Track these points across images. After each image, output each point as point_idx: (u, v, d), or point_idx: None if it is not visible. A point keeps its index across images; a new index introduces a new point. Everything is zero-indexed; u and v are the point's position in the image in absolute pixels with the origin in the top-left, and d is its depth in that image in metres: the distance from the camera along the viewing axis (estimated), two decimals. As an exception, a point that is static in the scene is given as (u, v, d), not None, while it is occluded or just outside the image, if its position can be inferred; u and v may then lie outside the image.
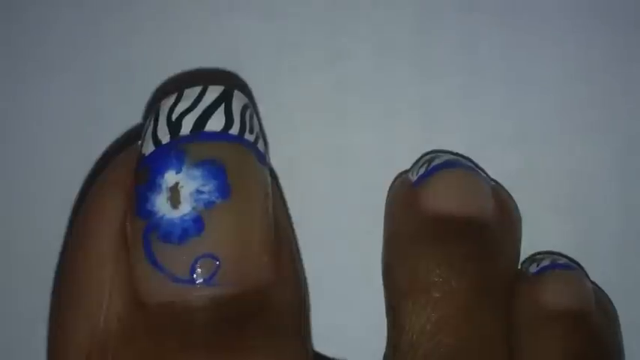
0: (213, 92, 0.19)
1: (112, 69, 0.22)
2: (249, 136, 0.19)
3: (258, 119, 0.21)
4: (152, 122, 0.19)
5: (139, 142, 0.20)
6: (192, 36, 0.23)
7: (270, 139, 0.23)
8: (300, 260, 0.22)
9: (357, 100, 0.23)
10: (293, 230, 0.22)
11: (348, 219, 0.23)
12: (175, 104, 0.19)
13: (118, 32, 0.23)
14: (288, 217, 0.22)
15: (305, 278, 0.21)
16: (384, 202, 0.23)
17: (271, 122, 0.23)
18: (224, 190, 0.18)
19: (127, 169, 0.19)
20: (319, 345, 0.22)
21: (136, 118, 0.22)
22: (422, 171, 0.22)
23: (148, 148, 0.19)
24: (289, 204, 0.23)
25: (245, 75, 0.23)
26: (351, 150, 0.23)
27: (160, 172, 0.18)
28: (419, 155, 0.23)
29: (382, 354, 0.22)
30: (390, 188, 0.23)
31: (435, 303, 0.20)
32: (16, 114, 0.22)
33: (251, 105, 0.20)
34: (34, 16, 0.22)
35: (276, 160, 0.22)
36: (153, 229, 0.18)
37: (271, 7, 0.23)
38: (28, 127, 0.22)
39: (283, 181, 0.23)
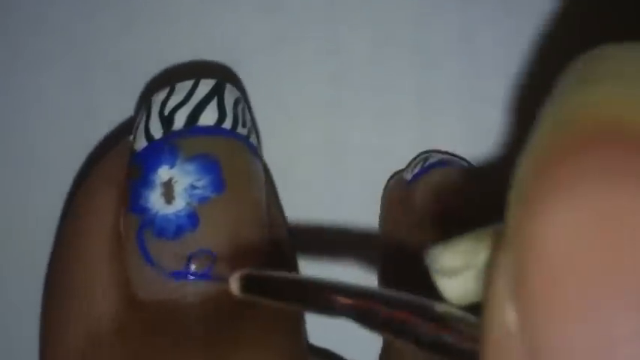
0: (206, 86, 0.19)
1: (108, 63, 0.22)
2: (242, 130, 0.19)
3: (250, 113, 0.21)
4: (144, 117, 0.19)
5: (131, 136, 0.19)
6: (189, 29, 0.23)
7: (266, 133, 0.22)
8: (293, 254, 0.21)
9: (355, 93, 0.23)
10: (286, 223, 0.22)
11: (345, 213, 0.23)
12: (167, 98, 0.19)
13: (113, 26, 0.22)
14: (282, 212, 0.22)
15: (299, 272, 0.21)
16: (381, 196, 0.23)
17: (268, 116, 0.22)
18: (218, 185, 0.18)
19: (119, 164, 0.19)
20: (316, 340, 0.22)
21: (130, 113, 0.22)
22: (417, 170, 0.22)
23: (141, 143, 0.19)
24: (286, 198, 0.22)
25: (242, 68, 0.23)
26: (349, 143, 0.23)
27: (154, 167, 0.18)
28: (417, 149, 0.23)
29: (379, 349, 0.22)
30: (386, 187, 0.23)
31: None
32: (9, 108, 0.22)
33: (243, 98, 0.20)
34: (28, 10, 0.22)
35: (272, 154, 0.22)
36: (147, 225, 0.18)
37: (269, 1, 0.23)
38: (21, 122, 0.22)
39: (280, 176, 0.22)
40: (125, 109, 0.22)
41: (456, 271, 0.12)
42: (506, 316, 0.09)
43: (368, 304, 0.13)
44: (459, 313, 0.12)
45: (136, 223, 0.18)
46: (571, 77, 0.10)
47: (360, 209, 0.23)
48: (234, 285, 0.15)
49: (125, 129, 0.21)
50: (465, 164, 0.22)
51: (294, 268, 0.21)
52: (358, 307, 0.13)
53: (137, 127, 0.19)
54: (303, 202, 0.23)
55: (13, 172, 0.22)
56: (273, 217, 0.20)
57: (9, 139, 0.22)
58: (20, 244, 0.22)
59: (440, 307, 0.12)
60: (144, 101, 0.20)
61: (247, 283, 0.14)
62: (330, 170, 0.23)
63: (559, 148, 0.09)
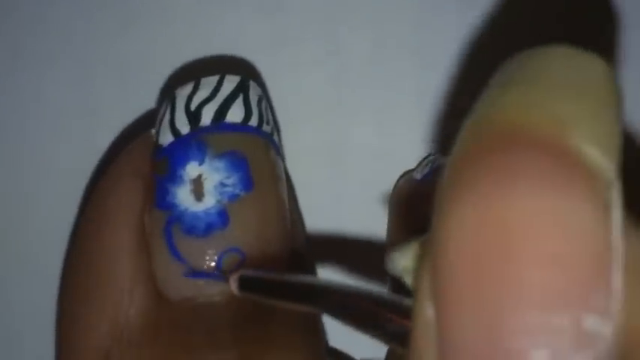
0: (231, 82, 0.19)
1: (109, 63, 0.22)
2: (266, 128, 0.19)
3: (272, 111, 0.21)
4: (168, 111, 0.19)
5: (153, 130, 0.19)
6: (190, 30, 0.22)
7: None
8: (310, 254, 0.21)
9: (355, 94, 0.23)
10: (303, 222, 0.22)
11: (346, 214, 0.23)
12: (193, 93, 0.19)
13: (115, 27, 0.22)
14: (299, 212, 0.22)
15: (316, 272, 0.21)
16: (383, 196, 0.23)
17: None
18: (247, 183, 0.18)
19: (143, 156, 0.19)
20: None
21: (133, 112, 0.22)
22: (427, 169, 0.22)
23: (166, 137, 0.18)
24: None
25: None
26: (349, 144, 0.23)
27: (181, 163, 0.18)
28: (418, 150, 0.23)
29: (385, 349, 0.22)
30: (395, 186, 0.23)
31: None
32: (9, 108, 0.21)
33: (265, 96, 0.20)
34: (28, 11, 0.21)
35: None
36: (175, 221, 0.18)
37: (269, 1, 0.23)
38: (21, 122, 0.21)
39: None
40: (125, 108, 0.22)
41: (407, 271, 0.13)
42: (427, 311, 0.10)
43: (344, 300, 0.14)
44: None
45: (163, 220, 0.18)
46: (493, 81, 0.11)
47: (361, 210, 0.23)
48: (233, 285, 0.15)
49: (145, 122, 0.21)
50: None
51: (311, 267, 0.21)
52: (337, 303, 0.14)
53: (161, 121, 0.19)
54: (303, 203, 0.22)
55: (14, 173, 0.21)
56: (293, 217, 0.20)
57: (9, 140, 0.21)
58: (22, 246, 0.21)
59: (408, 301, 0.13)
60: (166, 95, 0.19)
61: (244, 284, 0.15)
62: (331, 171, 0.23)
63: (467, 151, 0.10)
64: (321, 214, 0.23)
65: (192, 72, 0.22)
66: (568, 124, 0.09)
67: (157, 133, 0.19)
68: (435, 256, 0.10)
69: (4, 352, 0.21)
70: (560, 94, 0.10)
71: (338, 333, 0.22)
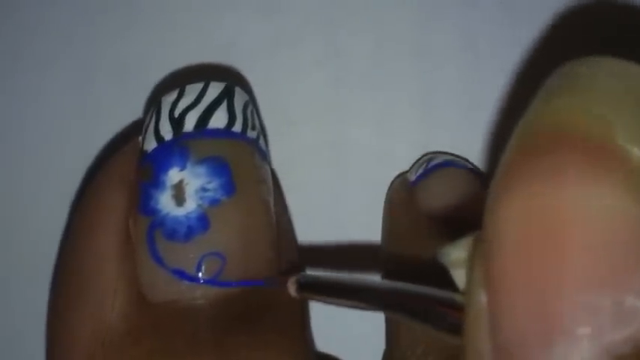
0: (216, 88, 0.19)
1: (109, 66, 0.22)
2: (251, 133, 0.19)
3: (259, 116, 0.21)
4: (153, 118, 0.19)
5: (140, 137, 0.19)
6: (190, 32, 0.23)
7: (268, 136, 0.22)
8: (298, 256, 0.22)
9: (356, 95, 0.23)
10: (292, 227, 0.22)
11: (346, 215, 0.23)
12: (178, 100, 0.19)
13: (114, 29, 0.22)
14: (288, 214, 0.22)
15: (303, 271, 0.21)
16: (383, 198, 0.23)
17: (270, 118, 0.22)
18: (229, 188, 0.18)
19: (129, 163, 0.19)
20: (319, 344, 0.22)
21: (132, 114, 0.22)
22: (421, 170, 0.22)
23: (150, 144, 0.19)
24: (287, 200, 0.22)
25: (243, 71, 0.23)
26: (350, 146, 0.23)
27: (164, 168, 0.18)
28: (418, 151, 0.23)
29: (381, 352, 0.22)
30: (389, 188, 0.23)
31: None
32: (9, 110, 0.22)
33: (251, 102, 0.20)
34: (29, 12, 0.22)
35: (274, 156, 0.22)
36: (157, 226, 0.18)
37: (268, 2, 0.23)
38: (22, 124, 0.22)
39: (281, 178, 0.22)
40: (126, 111, 0.22)
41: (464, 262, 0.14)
42: (480, 298, 0.11)
43: (400, 297, 0.15)
44: None
45: (146, 225, 0.18)
46: (543, 88, 0.12)
47: (361, 211, 0.23)
48: (291, 288, 0.17)
49: (134, 130, 0.21)
50: (470, 165, 0.22)
51: (301, 268, 0.21)
52: (392, 300, 0.15)
53: (147, 128, 0.19)
54: (304, 205, 0.23)
55: (14, 174, 0.22)
56: (279, 219, 0.20)
57: (9, 141, 0.22)
58: (22, 247, 0.21)
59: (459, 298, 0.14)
60: (153, 102, 0.20)
61: (302, 286, 0.17)
62: (331, 172, 0.23)
63: (522, 149, 0.11)
64: (320, 215, 0.23)
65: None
66: (614, 125, 0.11)
67: (143, 139, 0.19)
68: (488, 243, 0.11)
69: (4, 352, 0.21)
70: (606, 98, 0.11)
71: (328, 338, 0.22)
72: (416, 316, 0.15)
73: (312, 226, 0.23)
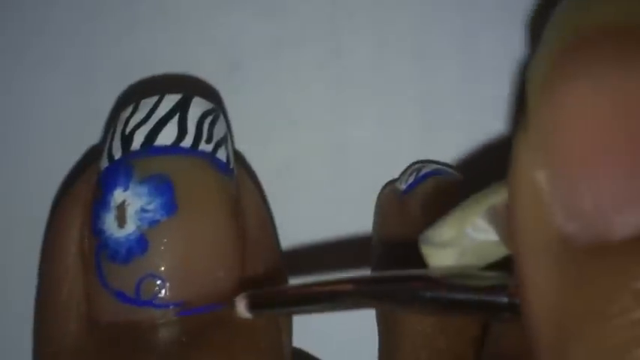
0: (169, 102, 0.19)
1: (109, 67, 0.22)
2: (204, 146, 0.19)
3: (228, 124, 0.20)
4: (110, 135, 0.19)
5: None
6: (191, 34, 0.22)
7: (267, 137, 0.22)
8: (282, 265, 0.21)
9: (358, 96, 0.22)
10: (273, 233, 0.21)
11: (345, 217, 0.22)
12: (130, 116, 0.19)
13: (114, 30, 0.22)
14: (268, 221, 0.21)
15: (287, 282, 0.21)
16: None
17: (268, 119, 0.22)
18: (170, 207, 0.18)
19: (88, 184, 0.19)
20: (312, 347, 0.22)
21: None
22: (411, 180, 0.21)
23: (104, 163, 0.19)
24: (285, 202, 0.22)
25: (244, 72, 0.22)
26: (351, 148, 0.22)
27: (110, 189, 0.18)
28: (418, 153, 0.22)
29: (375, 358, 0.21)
30: (379, 197, 0.22)
31: None
32: (9, 110, 0.22)
33: (216, 110, 0.19)
34: (29, 12, 0.23)
35: (274, 157, 0.22)
36: (102, 248, 0.18)
37: (270, 3, 0.22)
38: (22, 124, 0.22)
39: (281, 179, 0.22)
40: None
41: (444, 244, 0.14)
42: (536, 178, 0.11)
43: (366, 285, 0.15)
44: (454, 269, 0.14)
45: (94, 246, 0.18)
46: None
47: (361, 213, 0.22)
48: (241, 308, 0.17)
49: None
50: (458, 175, 0.21)
51: (280, 278, 0.21)
52: (359, 288, 0.15)
53: (104, 146, 0.19)
54: (304, 205, 0.22)
55: (14, 174, 0.22)
56: (253, 228, 0.20)
57: (9, 141, 0.22)
58: (22, 245, 0.22)
59: (434, 272, 0.14)
60: (112, 119, 0.20)
61: (253, 302, 0.17)
62: (332, 173, 0.22)
63: (574, 38, 0.11)
64: (321, 215, 0.22)
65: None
66: None
67: (100, 158, 0.19)
68: (556, 126, 0.11)
69: (4, 352, 0.23)
70: None
71: (325, 342, 0.21)
72: (387, 299, 0.15)
73: (313, 227, 0.22)
